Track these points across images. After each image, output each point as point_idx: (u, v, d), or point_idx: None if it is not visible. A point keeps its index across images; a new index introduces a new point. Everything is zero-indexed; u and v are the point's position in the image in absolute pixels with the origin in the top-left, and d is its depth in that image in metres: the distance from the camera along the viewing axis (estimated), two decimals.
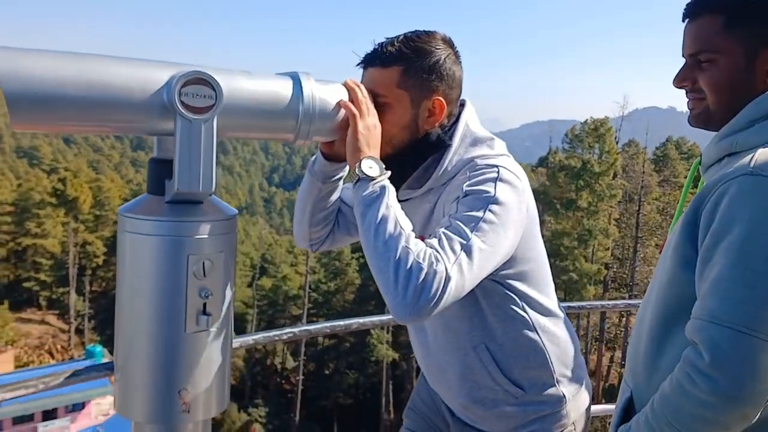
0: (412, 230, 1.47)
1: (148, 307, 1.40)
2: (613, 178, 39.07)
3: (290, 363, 41.29)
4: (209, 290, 1.41)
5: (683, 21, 1.44)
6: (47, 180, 54.78)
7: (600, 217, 38.01)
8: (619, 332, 36.50)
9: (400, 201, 1.71)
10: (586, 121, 40.49)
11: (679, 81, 1.45)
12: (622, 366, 34.10)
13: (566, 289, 36.74)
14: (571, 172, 38.54)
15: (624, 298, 36.71)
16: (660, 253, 1.51)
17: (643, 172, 40.20)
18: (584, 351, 34.87)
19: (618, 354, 36.13)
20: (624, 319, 33.67)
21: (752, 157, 1.24)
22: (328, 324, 2.27)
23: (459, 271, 1.39)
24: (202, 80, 1.36)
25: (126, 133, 1.42)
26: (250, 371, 43.21)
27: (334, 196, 1.87)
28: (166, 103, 1.34)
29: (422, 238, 1.50)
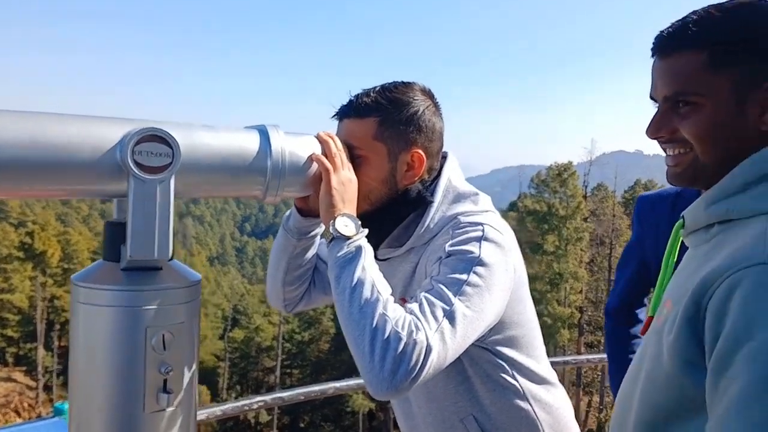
0: (391, 294, 1.37)
1: (103, 384, 1.27)
2: (585, 221, 39.56)
3: (264, 417, 40.37)
4: (170, 365, 1.29)
5: (652, 56, 1.21)
6: (15, 234, 53.77)
7: (569, 260, 38.32)
8: (596, 376, 36.40)
9: (379, 261, 1.61)
10: (551, 166, 41.18)
11: (656, 131, 1.20)
12: (600, 411, 33.94)
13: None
14: (537, 217, 38.99)
15: (600, 342, 36.81)
16: (642, 331, 1.27)
17: (613, 216, 40.79)
18: None
19: (596, 399, 35.95)
20: (601, 363, 33.62)
21: (766, 239, 1.01)
22: (302, 390, 2.15)
23: (441, 340, 1.30)
24: (158, 137, 1.27)
25: (79, 196, 1.32)
26: (223, 427, 42.14)
27: (310, 253, 1.77)
28: (119, 162, 1.24)
29: (404, 301, 1.41)
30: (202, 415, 1.91)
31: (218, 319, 49.80)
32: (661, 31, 1.20)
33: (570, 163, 41.36)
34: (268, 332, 45.45)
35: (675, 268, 1.30)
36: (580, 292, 39.24)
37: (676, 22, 1.18)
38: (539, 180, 41.40)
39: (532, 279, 37.79)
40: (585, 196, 41.17)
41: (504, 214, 52.04)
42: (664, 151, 1.24)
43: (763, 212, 1.08)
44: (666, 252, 1.30)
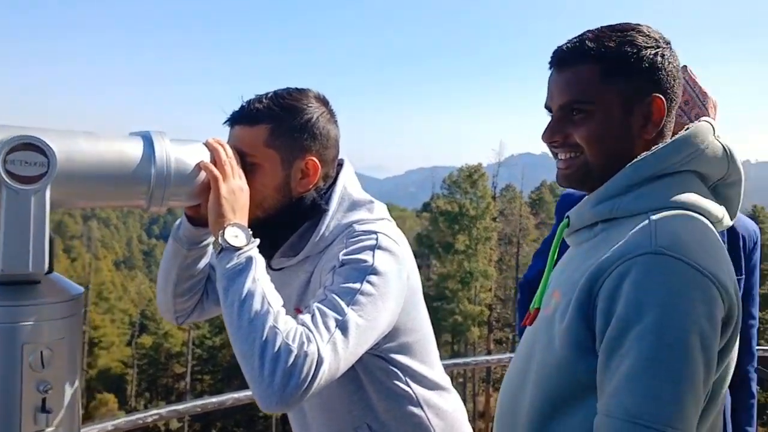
0: (284, 305, 1.36)
1: None
2: (494, 221, 40.57)
3: (174, 424, 39.29)
4: (49, 383, 1.24)
5: (550, 68, 1.34)
6: None
7: (479, 259, 39.19)
8: (505, 372, 37.36)
9: (274, 270, 1.60)
10: (462, 168, 42.05)
11: (551, 135, 1.32)
12: None
13: (452, 332, 37.43)
14: (449, 217, 39.73)
15: (508, 338, 37.85)
16: (528, 322, 1.36)
17: (521, 215, 42.03)
18: (472, 392, 35.49)
19: None
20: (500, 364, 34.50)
21: (652, 232, 1.14)
22: (199, 402, 2.11)
23: (333, 351, 1.30)
24: (32, 145, 1.22)
25: None
26: None
27: (202, 263, 1.72)
28: None
29: (298, 311, 1.40)
30: (93, 431, 1.84)
31: (125, 325, 48.12)
32: (560, 46, 1.32)
33: (480, 164, 42.34)
34: (177, 338, 44.24)
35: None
36: (490, 290, 40.13)
37: (573, 39, 1.31)
38: (451, 181, 42.14)
39: (445, 278, 38.43)
40: (494, 197, 42.19)
41: (419, 214, 52.69)
42: (556, 155, 1.35)
43: (643, 211, 1.21)
44: (552, 249, 1.40)
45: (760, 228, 2.39)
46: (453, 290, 37.71)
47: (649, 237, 1.13)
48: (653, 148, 1.26)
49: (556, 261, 1.41)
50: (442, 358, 1.79)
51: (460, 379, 34.21)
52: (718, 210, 1.28)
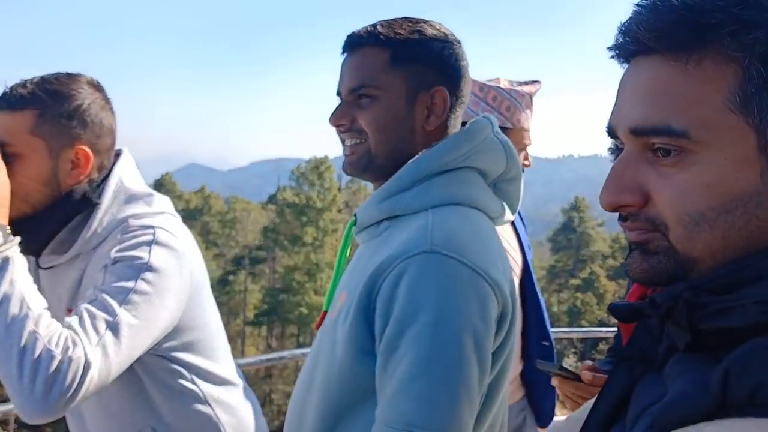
0: (48, 308, 1.27)
1: None
2: (340, 213, 41.08)
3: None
4: None
5: (342, 53, 1.30)
6: None
7: (326, 251, 39.55)
8: None
9: (43, 268, 1.51)
10: (309, 160, 42.25)
11: (338, 119, 1.27)
12: None
13: (299, 324, 37.44)
14: (296, 209, 39.78)
15: None
16: (317, 326, 1.33)
17: None
18: None
19: None
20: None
21: (428, 231, 1.12)
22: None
23: (103, 355, 1.24)
24: None
25: None
26: None
27: None
28: None
29: (70, 312, 1.32)
30: None
31: None
32: (353, 32, 1.29)
33: (326, 156, 42.72)
34: None
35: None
36: None
37: (367, 25, 1.28)
38: (299, 173, 42.16)
39: (291, 270, 38.36)
40: (340, 189, 42.75)
41: (264, 206, 51.76)
42: (343, 142, 1.30)
43: (424, 208, 1.19)
44: (339, 249, 1.37)
45: (580, 217, 2.58)
46: (300, 282, 37.71)
47: (425, 235, 1.11)
48: (433, 144, 1.24)
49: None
50: (286, 349, 1.73)
51: None
52: (497, 205, 1.29)
